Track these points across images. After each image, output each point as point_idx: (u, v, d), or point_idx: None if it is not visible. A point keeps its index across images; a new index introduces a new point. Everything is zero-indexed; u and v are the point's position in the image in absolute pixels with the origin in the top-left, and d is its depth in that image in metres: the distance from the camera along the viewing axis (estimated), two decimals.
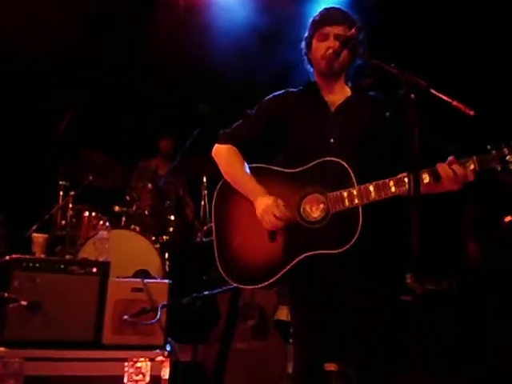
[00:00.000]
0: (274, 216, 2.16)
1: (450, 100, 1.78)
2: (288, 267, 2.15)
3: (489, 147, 1.99)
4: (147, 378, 2.95)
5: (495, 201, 4.68)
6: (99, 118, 5.67)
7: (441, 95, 1.79)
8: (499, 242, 4.61)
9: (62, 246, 4.57)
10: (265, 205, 2.19)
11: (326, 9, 2.37)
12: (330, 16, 2.32)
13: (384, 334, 2.22)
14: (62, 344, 2.96)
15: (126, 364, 2.95)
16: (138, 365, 2.95)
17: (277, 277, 2.17)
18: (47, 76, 5.57)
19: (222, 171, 2.39)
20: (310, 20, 2.39)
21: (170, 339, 3.22)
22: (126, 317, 3.07)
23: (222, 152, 2.42)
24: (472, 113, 1.76)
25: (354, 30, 2.16)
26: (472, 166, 1.99)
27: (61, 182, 4.74)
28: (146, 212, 4.85)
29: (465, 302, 4.77)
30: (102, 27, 5.54)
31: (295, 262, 2.14)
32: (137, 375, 2.93)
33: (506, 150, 1.96)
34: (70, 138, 4.78)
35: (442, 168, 2.02)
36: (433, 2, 5.15)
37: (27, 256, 3.23)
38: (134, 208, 4.85)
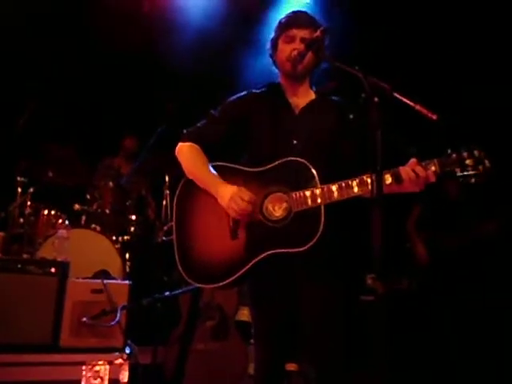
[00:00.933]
0: (242, 200, 2.14)
1: (412, 104, 1.80)
2: (249, 265, 2.15)
3: (449, 151, 2.05)
4: (105, 382, 2.90)
5: (437, 204, 4.80)
6: (61, 113, 5.57)
7: (404, 99, 1.82)
8: (441, 242, 4.73)
9: (20, 244, 4.45)
10: (231, 192, 2.17)
11: (293, 12, 2.39)
12: (297, 19, 2.34)
13: (343, 330, 2.24)
14: (17, 347, 2.88)
15: (83, 368, 2.89)
16: (97, 368, 2.89)
17: (237, 275, 2.16)
18: (7, 69, 5.43)
19: (185, 169, 2.37)
20: (277, 22, 2.39)
21: (129, 341, 3.17)
22: (85, 319, 3.01)
23: (184, 150, 2.40)
24: (435, 117, 1.79)
25: (318, 32, 2.17)
26: (433, 168, 2.05)
27: (19, 179, 4.62)
28: (107, 211, 4.77)
29: (425, 300, 4.87)
30: (65, 21, 5.45)
31: (256, 260, 2.14)
32: (95, 379, 2.88)
33: (465, 154, 2.03)
34: (29, 133, 4.67)
35: (404, 170, 2.06)
36: (399, 7, 5.22)
37: None
38: (94, 207, 4.77)
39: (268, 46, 2.44)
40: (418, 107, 1.80)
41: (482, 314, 4.33)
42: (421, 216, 4.92)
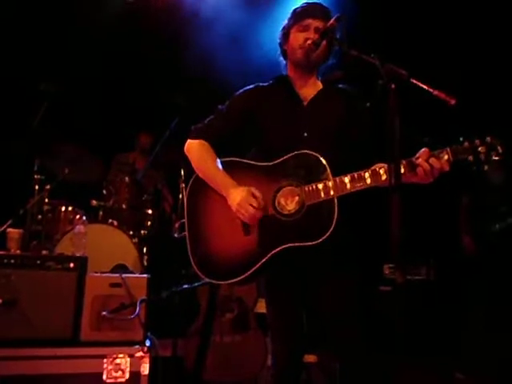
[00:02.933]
0: (252, 206, 2.14)
1: (430, 89, 1.79)
2: (263, 260, 2.14)
3: (461, 139, 2.04)
4: (127, 375, 2.91)
5: (484, 194, 4.76)
6: (75, 110, 5.60)
7: (422, 85, 1.80)
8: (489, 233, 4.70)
9: (38, 241, 4.49)
10: (240, 197, 2.17)
11: (308, 2, 2.37)
12: (312, 9, 2.33)
13: (364, 319, 2.23)
14: (39, 342, 2.90)
15: (104, 361, 2.91)
16: (117, 361, 2.91)
17: (252, 270, 2.15)
18: (21, 69, 5.46)
19: (194, 167, 2.37)
20: (291, 11, 2.38)
21: (149, 334, 3.19)
22: (104, 313, 3.03)
23: (193, 147, 2.40)
24: (453, 101, 1.78)
25: (332, 20, 2.15)
26: (446, 157, 2.03)
27: (36, 176, 4.65)
28: (124, 206, 4.79)
29: (444, 289, 4.85)
30: (77, 18, 5.48)
31: (271, 254, 2.13)
32: (116, 372, 2.90)
33: (477, 141, 2.02)
34: (45, 131, 4.69)
35: (419, 161, 2.04)
36: None
37: (2, 252, 3.16)
38: (111, 202, 4.79)
39: (279, 34, 2.42)
40: (436, 92, 1.79)
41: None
42: (470, 206, 4.89)
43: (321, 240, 2.06)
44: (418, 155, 2.07)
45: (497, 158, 2.00)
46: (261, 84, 2.45)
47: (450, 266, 4.96)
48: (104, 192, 4.91)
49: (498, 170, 4.61)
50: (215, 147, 2.37)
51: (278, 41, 2.43)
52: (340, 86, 2.43)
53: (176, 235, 4.59)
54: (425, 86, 1.80)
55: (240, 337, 3.76)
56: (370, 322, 2.27)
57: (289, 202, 2.16)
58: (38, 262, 3.07)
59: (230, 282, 2.24)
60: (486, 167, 2.02)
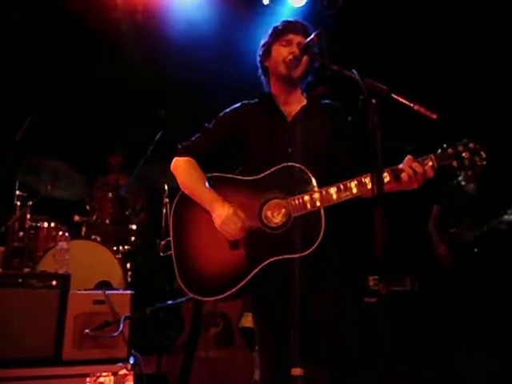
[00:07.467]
0: (235, 225, 2.14)
1: (411, 104, 1.80)
2: (251, 275, 2.13)
3: (445, 145, 2.07)
4: None
5: (455, 203, 4.79)
6: (60, 126, 5.57)
7: (402, 99, 1.82)
8: (460, 242, 4.72)
9: (20, 258, 4.44)
10: (224, 215, 2.17)
11: (288, 20, 2.40)
12: (293, 25, 2.35)
13: (357, 332, 2.22)
14: (20, 362, 2.85)
15: (87, 379, 2.87)
16: (101, 380, 2.87)
17: (239, 285, 2.14)
18: (4, 85, 5.43)
19: (180, 183, 2.37)
20: (271, 28, 2.40)
21: (133, 351, 3.15)
22: (87, 331, 2.99)
23: (180, 165, 2.41)
24: (435, 116, 1.80)
25: (313, 35, 2.16)
26: (430, 163, 2.06)
27: (18, 193, 4.60)
28: (107, 221, 4.76)
29: (428, 301, 4.86)
30: (60, 34, 5.47)
31: (258, 269, 2.12)
32: None
33: (460, 147, 2.05)
34: (27, 147, 4.66)
35: (402, 167, 2.07)
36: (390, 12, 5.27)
37: None
38: (94, 217, 4.76)
39: (259, 51, 2.44)
40: (416, 107, 1.81)
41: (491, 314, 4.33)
42: (441, 216, 4.93)
43: (308, 252, 2.06)
44: (402, 163, 2.09)
45: (480, 163, 2.02)
46: (246, 102, 2.47)
47: (433, 276, 4.98)
48: (87, 207, 4.87)
49: (472, 180, 4.65)
50: (202, 164, 2.38)
51: (258, 58, 2.44)
52: (325, 101, 2.45)
53: (162, 254, 4.56)
54: (405, 101, 1.82)
55: (225, 352, 3.73)
56: (360, 335, 2.26)
57: (275, 215, 2.16)
58: (20, 280, 3.03)
59: (217, 297, 2.22)
60: (470, 172, 2.05)
